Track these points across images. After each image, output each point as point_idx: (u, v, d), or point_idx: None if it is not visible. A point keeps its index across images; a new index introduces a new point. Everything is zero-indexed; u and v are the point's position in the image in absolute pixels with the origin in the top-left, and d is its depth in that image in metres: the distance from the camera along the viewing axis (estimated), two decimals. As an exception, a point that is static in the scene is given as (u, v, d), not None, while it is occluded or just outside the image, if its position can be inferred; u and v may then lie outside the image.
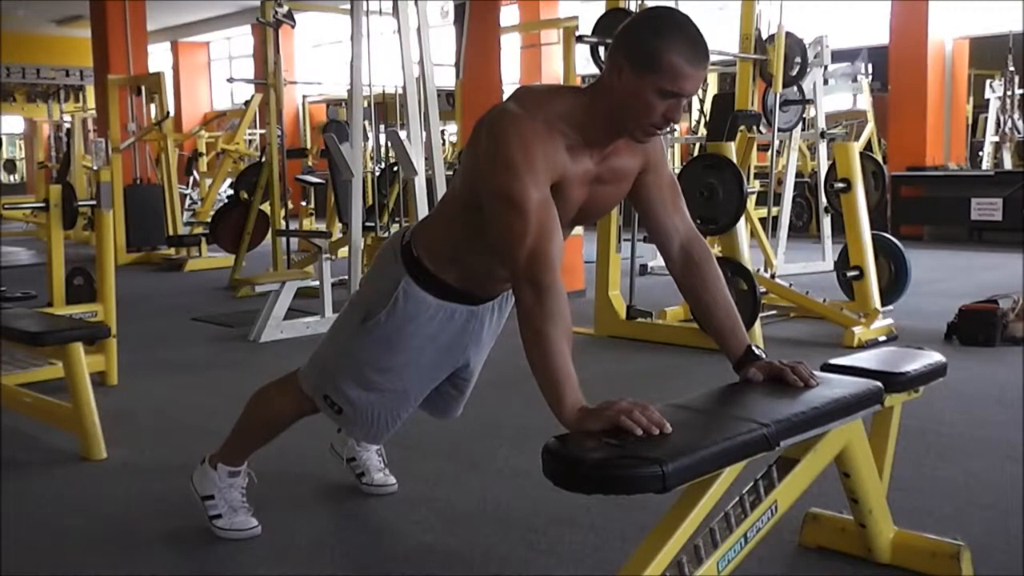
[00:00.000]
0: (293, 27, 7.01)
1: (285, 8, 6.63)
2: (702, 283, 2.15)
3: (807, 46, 6.78)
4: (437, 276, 2.19)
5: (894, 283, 5.60)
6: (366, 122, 6.36)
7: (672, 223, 2.16)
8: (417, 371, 2.31)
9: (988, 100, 11.11)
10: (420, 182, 5.74)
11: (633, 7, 5.22)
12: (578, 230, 6.84)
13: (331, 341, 2.41)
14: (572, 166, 1.95)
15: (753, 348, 2.11)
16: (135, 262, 9.46)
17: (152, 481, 3.04)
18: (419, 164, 5.71)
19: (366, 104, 6.10)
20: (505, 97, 2.07)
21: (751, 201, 6.74)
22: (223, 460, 2.56)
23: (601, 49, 5.02)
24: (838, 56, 9.15)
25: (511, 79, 13.14)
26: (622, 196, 2.15)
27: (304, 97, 17.05)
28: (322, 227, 8.47)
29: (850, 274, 5.21)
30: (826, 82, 8.12)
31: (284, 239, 7.05)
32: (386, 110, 6.46)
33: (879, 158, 9.11)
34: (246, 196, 7.96)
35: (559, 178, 1.93)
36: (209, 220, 9.05)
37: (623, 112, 1.92)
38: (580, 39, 5.15)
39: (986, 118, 11.20)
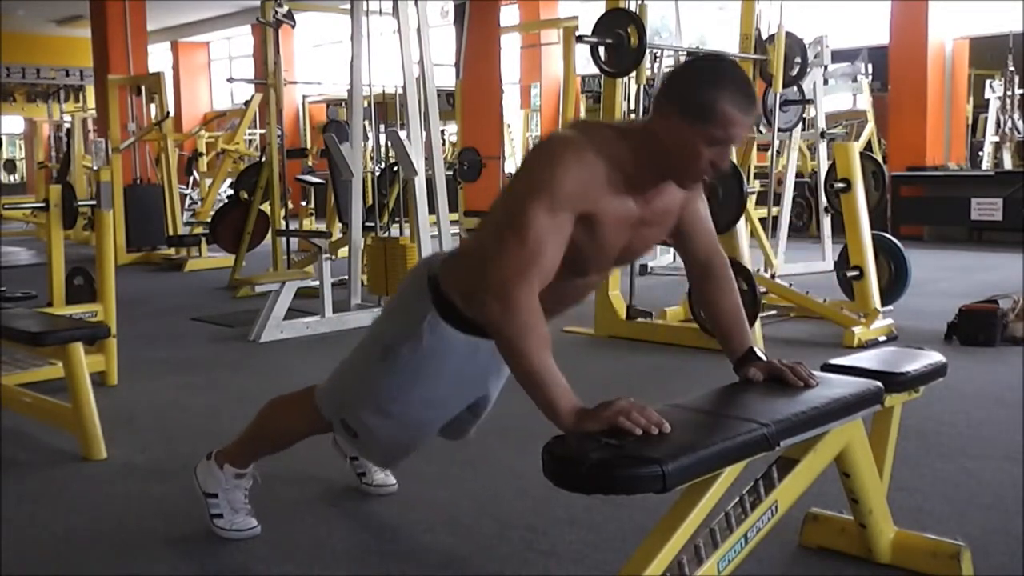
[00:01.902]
0: (293, 27, 7.01)
1: (285, 8, 6.63)
2: (718, 290, 2.21)
3: (807, 46, 6.78)
4: (466, 314, 2.14)
5: (894, 283, 5.59)
6: (366, 122, 6.36)
7: (702, 244, 2.21)
8: (437, 404, 2.30)
9: (988, 100, 11.10)
10: (420, 182, 5.75)
11: (633, 7, 5.21)
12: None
13: (351, 368, 2.38)
14: (612, 204, 1.93)
15: (754, 349, 2.13)
16: (135, 262, 9.46)
17: (152, 481, 3.04)
18: (419, 164, 5.71)
19: (366, 104, 6.10)
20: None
21: (751, 201, 6.74)
22: (230, 461, 2.55)
23: (601, 49, 5.02)
24: (838, 56, 9.15)
25: (511, 79, 13.17)
26: (666, 234, 2.16)
27: (304, 97, 17.06)
28: (322, 227, 8.47)
29: (850, 274, 5.21)
30: (826, 82, 8.11)
31: (284, 239, 7.05)
32: (386, 110, 6.46)
33: (879, 158, 9.11)
34: (246, 196, 7.95)
35: (592, 211, 1.91)
36: (209, 220, 9.06)
37: (670, 159, 1.92)
38: (580, 39, 5.15)
39: (986, 118, 11.19)
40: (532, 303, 1.82)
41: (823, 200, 7.14)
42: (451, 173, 7.12)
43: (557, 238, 1.86)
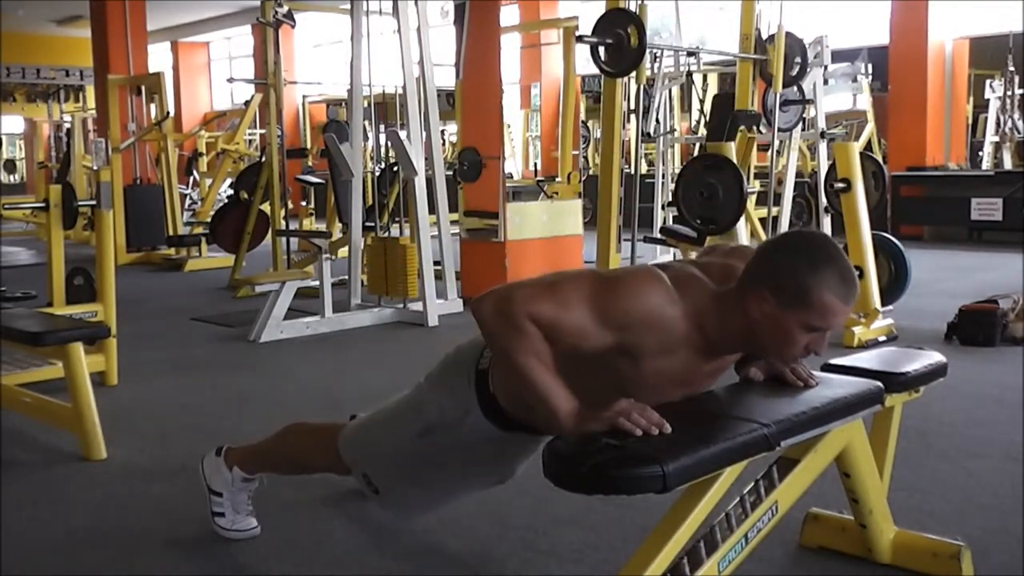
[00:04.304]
0: (293, 27, 7.01)
1: (285, 8, 6.64)
2: None
3: (807, 46, 6.77)
4: (510, 415, 2.06)
5: (894, 283, 5.59)
6: (366, 122, 6.36)
7: None
8: (465, 484, 2.33)
9: (988, 100, 11.10)
10: (420, 182, 5.75)
11: (633, 7, 5.21)
12: (577, 229, 6.88)
13: (384, 430, 2.30)
14: (677, 361, 1.84)
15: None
16: (135, 262, 9.46)
17: (152, 481, 3.04)
18: (419, 164, 5.71)
19: (366, 104, 6.11)
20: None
21: (751, 201, 6.73)
22: (240, 464, 2.52)
23: (601, 49, 5.02)
24: (838, 56, 9.13)
25: (511, 79, 13.17)
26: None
27: (304, 97, 17.05)
28: (322, 227, 8.47)
29: (850, 274, 5.20)
30: (826, 82, 8.08)
31: (284, 239, 7.05)
32: (386, 110, 6.46)
33: (879, 158, 9.10)
34: (246, 196, 7.96)
35: (638, 350, 1.80)
36: (209, 220, 9.06)
37: (763, 341, 1.84)
38: (580, 39, 5.15)
39: (986, 118, 11.19)
40: (528, 321, 1.75)
41: (823, 200, 7.13)
42: (451, 173, 7.10)
43: (578, 316, 1.76)
